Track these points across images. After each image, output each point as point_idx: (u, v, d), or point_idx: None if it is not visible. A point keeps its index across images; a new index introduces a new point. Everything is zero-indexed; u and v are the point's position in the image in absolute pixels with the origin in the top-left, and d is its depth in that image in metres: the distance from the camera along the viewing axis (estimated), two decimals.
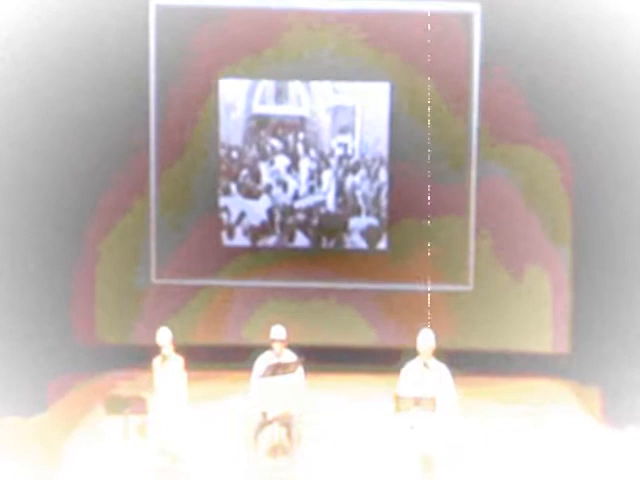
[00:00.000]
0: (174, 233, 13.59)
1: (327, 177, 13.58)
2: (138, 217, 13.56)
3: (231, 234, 13.69)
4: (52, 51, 12.64)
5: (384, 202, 13.57)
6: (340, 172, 13.55)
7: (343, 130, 13.52)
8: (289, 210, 13.65)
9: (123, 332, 13.54)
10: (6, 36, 11.96)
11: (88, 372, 13.13)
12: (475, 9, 13.20)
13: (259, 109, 13.54)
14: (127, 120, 13.34)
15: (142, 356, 11.22)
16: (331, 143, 13.54)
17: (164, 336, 10.63)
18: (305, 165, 13.59)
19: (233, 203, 13.66)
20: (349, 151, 13.52)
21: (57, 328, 13.05)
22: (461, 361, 11.17)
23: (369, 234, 13.60)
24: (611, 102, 12.34)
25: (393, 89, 13.39)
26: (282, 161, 13.60)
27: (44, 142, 12.68)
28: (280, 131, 13.56)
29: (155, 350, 10.69)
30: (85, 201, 13.41)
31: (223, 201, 13.64)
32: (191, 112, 13.49)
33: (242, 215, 13.66)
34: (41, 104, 12.56)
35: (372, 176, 13.52)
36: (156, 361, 10.67)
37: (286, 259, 13.62)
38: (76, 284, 13.48)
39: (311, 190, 13.63)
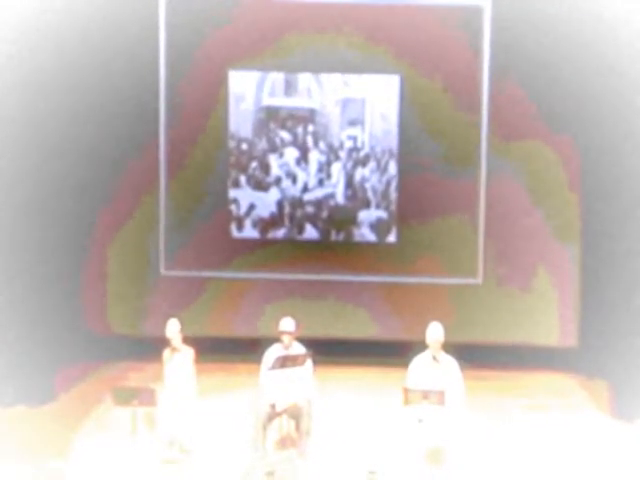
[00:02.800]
0: (183, 225, 13.59)
1: (336, 170, 13.58)
2: (148, 209, 13.55)
3: (240, 226, 13.69)
4: (62, 44, 12.66)
5: (393, 195, 13.56)
6: (349, 165, 13.55)
7: (353, 123, 13.51)
8: (298, 202, 13.64)
9: (133, 323, 13.53)
10: (15, 31, 11.98)
11: (97, 363, 13.15)
12: (486, 3, 13.18)
13: (269, 101, 13.53)
14: (137, 112, 13.33)
15: (151, 347, 11.23)
16: (341, 136, 13.53)
17: (172, 328, 10.64)
18: (314, 157, 13.58)
19: (242, 195, 13.66)
20: (359, 144, 13.50)
21: (67, 318, 13.10)
22: (470, 354, 11.16)
23: (378, 227, 13.59)
24: (622, 101, 12.32)
25: (403, 82, 13.38)
26: (291, 153, 13.59)
27: (56, 136, 12.74)
28: (289, 123, 13.55)
29: (164, 342, 10.71)
30: (96, 193, 13.41)
31: (232, 193, 13.64)
32: (201, 104, 13.48)
33: (251, 207, 13.66)
34: (50, 99, 12.59)
35: (382, 169, 13.51)
36: (166, 353, 10.70)
37: (295, 251, 13.61)
38: (86, 274, 13.51)
39: (320, 183, 13.63)
